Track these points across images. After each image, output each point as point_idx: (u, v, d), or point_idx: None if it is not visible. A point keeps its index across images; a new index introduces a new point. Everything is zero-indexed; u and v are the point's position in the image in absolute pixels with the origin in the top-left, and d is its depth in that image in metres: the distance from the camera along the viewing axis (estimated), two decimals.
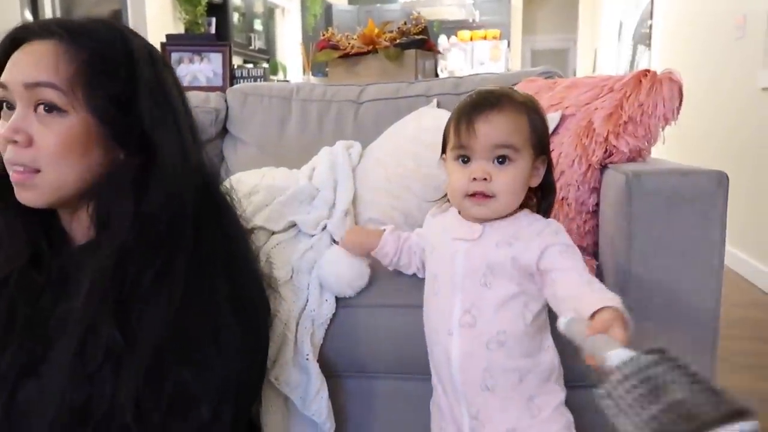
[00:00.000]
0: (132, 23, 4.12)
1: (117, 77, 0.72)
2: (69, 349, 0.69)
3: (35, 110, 0.70)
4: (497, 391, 0.79)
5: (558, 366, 0.83)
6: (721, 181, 0.89)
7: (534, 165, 0.80)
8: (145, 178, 0.73)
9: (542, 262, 0.77)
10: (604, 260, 1.04)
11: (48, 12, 3.50)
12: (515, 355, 0.79)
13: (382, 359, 1.01)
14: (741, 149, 2.89)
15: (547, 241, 0.77)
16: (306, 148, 1.47)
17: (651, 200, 0.90)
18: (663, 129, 1.03)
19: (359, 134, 1.52)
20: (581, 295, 0.71)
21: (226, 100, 1.70)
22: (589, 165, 1.05)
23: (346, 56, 2.06)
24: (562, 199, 1.08)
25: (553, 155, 1.13)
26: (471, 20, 7.52)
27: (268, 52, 6.11)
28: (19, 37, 0.73)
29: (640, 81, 1.03)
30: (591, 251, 1.08)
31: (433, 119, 1.38)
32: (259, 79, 2.47)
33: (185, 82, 2.24)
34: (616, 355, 0.56)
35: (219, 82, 2.22)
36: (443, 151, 0.86)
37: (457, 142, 0.79)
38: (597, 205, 1.06)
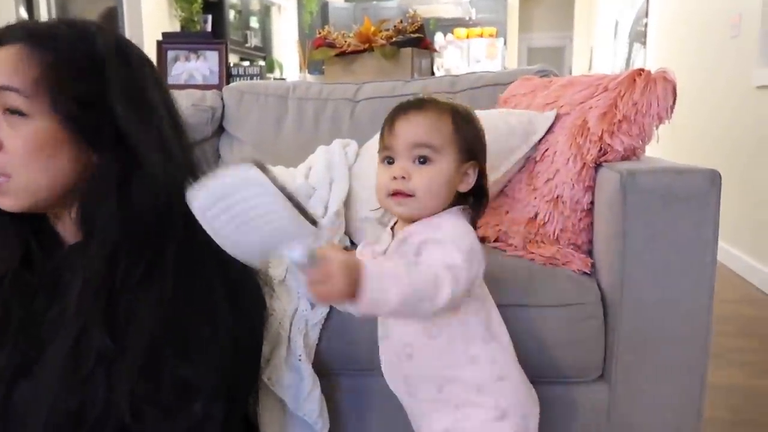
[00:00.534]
0: (128, 21, 4.10)
1: (83, 79, 0.71)
2: (62, 351, 0.69)
3: (3, 115, 0.70)
4: (419, 397, 0.82)
5: (495, 381, 0.79)
6: (714, 180, 0.90)
7: (462, 170, 0.78)
8: (127, 179, 0.73)
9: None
10: (598, 258, 1.05)
11: (43, 10, 3.48)
12: (428, 366, 0.79)
13: (377, 356, 1.01)
14: (735, 147, 2.90)
15: (423, 237, 0.74)
16: (302, 147, 1.47)
17: (645, 198, 0.90)
18: (657, 127, 1.04)
19: (355, 132, 1.52)
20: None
21: (222, 99, 1.70)
22: (584, 163, 1.05)
23: (342, 54, 2.06)
24: (557, 197, 1.08)
25: (548, 153, 1.15)
26: (467, 18, 7.52)
27: (265, 49, 6.10)
28: None
29: (635, 80, 1.04)
30: (585, 249, 1.09)
31: None
32: (255, 77, 2.47)
33: (181, 80, 2.24)
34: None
35: (215, 80, 2.23)
36: None
37: (382, 144, 0.80)
38: (591, 203, 1.07)
